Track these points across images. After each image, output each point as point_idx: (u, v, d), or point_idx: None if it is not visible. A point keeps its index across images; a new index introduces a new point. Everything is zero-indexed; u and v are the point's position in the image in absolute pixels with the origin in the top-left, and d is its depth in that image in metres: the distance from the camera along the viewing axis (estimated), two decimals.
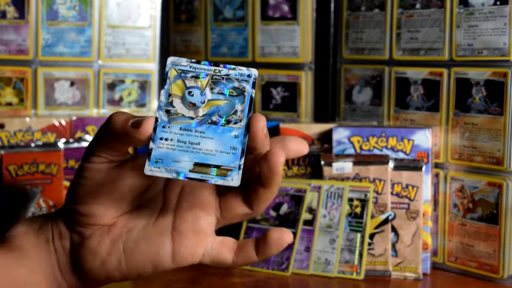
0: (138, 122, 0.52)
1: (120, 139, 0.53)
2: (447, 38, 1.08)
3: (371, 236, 1.08)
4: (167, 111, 0.53)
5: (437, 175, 1.10)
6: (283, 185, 1.12)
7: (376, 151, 1.11)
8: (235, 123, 0.53)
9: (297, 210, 1.10)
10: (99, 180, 0.56)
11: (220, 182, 0.52)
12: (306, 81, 1.26)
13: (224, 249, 0.58)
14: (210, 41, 1.36)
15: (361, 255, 1.06)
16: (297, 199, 1.10)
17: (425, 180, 1.08)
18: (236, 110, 0.54)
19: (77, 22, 1.30)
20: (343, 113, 1.25)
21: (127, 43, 1.33)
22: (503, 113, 1.01)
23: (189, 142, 0.53)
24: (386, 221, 1.08)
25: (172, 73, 0.54)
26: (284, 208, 1.11)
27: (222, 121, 0.53)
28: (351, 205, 1.08)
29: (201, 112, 0.54)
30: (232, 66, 0.55)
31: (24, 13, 1.25)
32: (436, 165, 1.10)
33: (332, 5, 1.25)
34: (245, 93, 0.54)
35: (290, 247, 1.08)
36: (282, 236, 0.57)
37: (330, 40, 1.26)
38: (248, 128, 0.53)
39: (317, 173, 1.13)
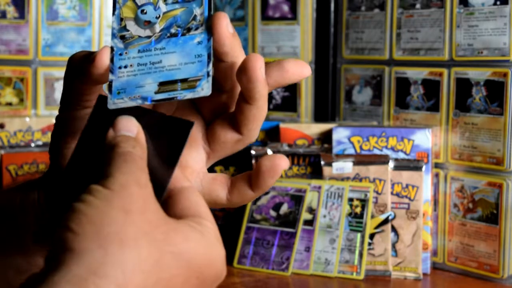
0: (92, 55, 0.47)
1: (80, 79, 0.49)
2: (447, 38, 1.08)
3: (371, 236, 1.08)
4: (122, 37, 0.49)
5: (437, 175, 1.10)
6: (283, 185, 1.12)
7: (376, 151, 1.11)
8: (196, 28, 0.48)
9: (297, 210, 1.10)
10: (77, 129, 0.51)
11: (190, 95, 0.46)
12: (306, 81, 1.26)
13: (216, 185, 0.52)
14: None
15: (361, 255, 1.06)
16: (297, 199, 1.10)
17: (425, 180, 1.08)
18: (195, 15, 0.48)
19: (77, 22, 1.30)
20: (343, 113, 1.25)
21: None
22: (503, 113, 1.01)
23: (150, 62, 0.48)
24: (386, 221, 1.08)
25: None
26: (284, 208, 1.11)
27: (182, 30, 0.48)
28: (351, 205, 1.08)
29: (158, 28, 0.49)
30: None
31: (24, 13, 1.25)
32: (436, 165, 1.10)
33: (332, 5, 1.25)
34: None
35: (290, 247, 1.08)
36: (275, 162, 0.50)
37: (330, 40, 1.26)
38: (211, 30, 0.47)
39: (317, 173, 1.13)
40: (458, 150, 1.08)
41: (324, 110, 1.28)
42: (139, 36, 0.49)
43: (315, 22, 1.26)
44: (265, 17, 1.29)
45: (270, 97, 1.30)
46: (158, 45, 0.48)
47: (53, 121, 0.56)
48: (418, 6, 1.12)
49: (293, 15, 1.26)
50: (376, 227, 1.08)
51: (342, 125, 1.15)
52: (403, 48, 1.14)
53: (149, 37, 0.49)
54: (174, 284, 0.41)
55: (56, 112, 0.55)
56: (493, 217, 1.03)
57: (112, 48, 0.49)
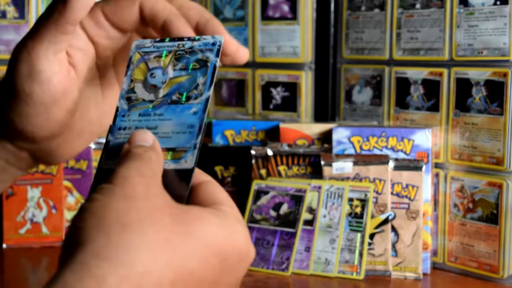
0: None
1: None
2: (447, 38, 1.08)
3: (371, 236, 1.08)
4: (128, 99, 0.50)
5: (437, 175, 1.10)
6: (283, 185, 1.12)
7: (376, 151, 1.11)
8: (196, 98, 0.49)
9: (297, 210, 1.10)
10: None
11: (173, 166, 0.47)
12: (306, 81, 1.26)
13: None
14: None
15: (361, 255, 1.06)
16: (297, 199, 1.10)
17: (425, 180, 1.08)
18: (198, 84, 0.49)
19: None
20: (343, 113, 1.25)
21: None
22: (503, 113, 1.01)
23: (146, 127, 0.49)
24: (386, 221, 1.08)
25: (135, 57, 0.52)
26: (284, 208, 1.11)
27: (183, 98, 0.49)
28: (351, 205, 1.08)
29: (161, 93, 0.50)
30: (197, 37, 0.51)
31: (24, 13, 1.25)
32: (436, 165, 1.10)
33: (332, 5, 1.25)
34: (208, 64, 0.50)
35: (290, 247, 1.08)
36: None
37: (330, 40, 1.26)
38: (208, 102, 0.48)
39: (317, 173, 1.13)
40: (458, 150, 1.08)
41: (324, 110, 1.28)
42: (143, 100, 0.50)
43: (315, 22, 1.26)
44: (265, 17, 1.29)
45: (270, 97, 1.30)
46: (158, 111, 0.49)
47: None
48: (418, 6, 1.12)
49: (293, 15, 1.26)
50: (376, 227, 1.08)
51: (342, 125, 1.15)
52: (403, 48, 1.14)
53: (151, 101, 0.50)
54: (191, 263, 0.41)
55: None
56: (493, 217, 1.03)
57: (117, 108, 0.50)
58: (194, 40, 0.51)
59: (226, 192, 0.47)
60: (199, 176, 0.48)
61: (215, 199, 0.45)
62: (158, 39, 0.52)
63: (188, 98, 0.49)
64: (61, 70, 0.53)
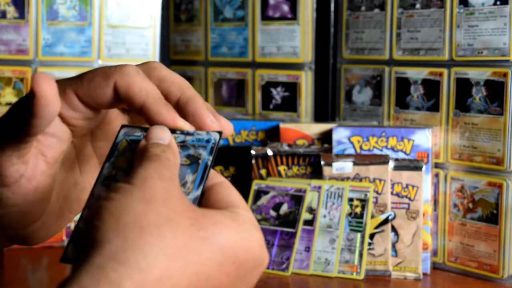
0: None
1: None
2: (447, 38, 1.08)
3: (371, 236, 1.08)
4: (107, 185, 0.47)
5: (437, 175, 1.10)
6: (283, 185, 1.12)
7: (376, 151, 1.11)
8: None
9: (297, 210, 1.10)
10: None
11: None
12: (306, 81, 1.26)
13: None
14: (210, 41, 1.36)
15: (361, 255, 1.06)
16: (297, 199, 1.10)
17: (425, 180, 1.08)
18: (186, 182, 0.46)
19: (77, 22, 1.30)
20: (343, 113, 1.25)
21: (127, 43, 1.33)
22: (503, 113, 1.01)
23: None
24: (386, 221, 1.08)
25: (122, 144, 0.48)
26: (284, 208, 1.11)
27: None
28: (351, 205, 1.08)
29: None
30: (191, 132, 0.48)
31: (24, 13, 1.25)
32: (436, 165, 1.10)
33: (332, 5, 1.25)
34: (199, 161, 0.47)
35: (290, 247, 1.08)
36: None
37: (330, 40, 1.26)
38: (196, 202, 0.45)
39: (317, 173, 1.13)
40: (458, 150, 1.08)
41: (324, 110, 1.28)
42: None
43: (315, 22, 1.26)
44: (265, 17, 1.29)
45: (270, 97, 1.30)
46: None
47: None
48: (418, 6, 1.12)
49: (293, 15, 1.26)
50: (376, 227, 1.08)
51: (342, 125, 1.15)
52: (403, 48, 1.14)
53: None
54: (207, 269, 0.41)
55: None
56: (493, 217, 1.03)
57: (92, 194, 0.47)
58: (187, 134, 0.48)
59: (239, 194, 0.46)
60: (213, 177, 0.47)
61: (229, 201, 0.45)
62: (148, 128, 0.48)
63: None
64: (29, 168, 0.50)
